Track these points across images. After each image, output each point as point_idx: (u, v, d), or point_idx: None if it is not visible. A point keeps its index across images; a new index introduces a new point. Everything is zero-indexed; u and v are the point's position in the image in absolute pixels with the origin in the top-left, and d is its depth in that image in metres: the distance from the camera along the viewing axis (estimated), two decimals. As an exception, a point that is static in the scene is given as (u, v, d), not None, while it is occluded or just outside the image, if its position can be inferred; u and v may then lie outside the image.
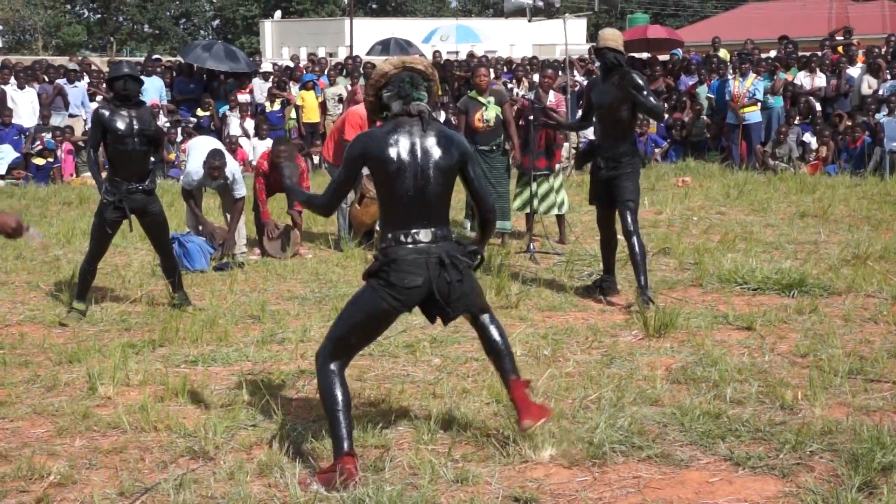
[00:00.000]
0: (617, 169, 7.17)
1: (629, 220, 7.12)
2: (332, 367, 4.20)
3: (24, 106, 15.91)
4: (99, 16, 67.12)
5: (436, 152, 4.20)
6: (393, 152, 4.16)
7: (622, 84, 7.07)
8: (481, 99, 9.42)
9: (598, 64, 7.58)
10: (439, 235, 4.20)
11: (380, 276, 4.16)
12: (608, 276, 7.50)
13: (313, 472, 4.15)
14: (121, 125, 6.88)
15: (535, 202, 9.44)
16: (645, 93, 7.05)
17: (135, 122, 6.91)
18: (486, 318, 4.42)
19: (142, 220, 7.15)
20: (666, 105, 17.46)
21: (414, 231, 4.16)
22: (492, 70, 17.72)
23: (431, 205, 4.20)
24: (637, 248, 7.08)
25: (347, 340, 4.24)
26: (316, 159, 15.88)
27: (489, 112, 9.34)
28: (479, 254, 4.38)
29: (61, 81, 16.57)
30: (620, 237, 7.33)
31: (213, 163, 8.79)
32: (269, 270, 8.59)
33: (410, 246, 4.14)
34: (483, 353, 5.80)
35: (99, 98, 16.53)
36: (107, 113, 6.92)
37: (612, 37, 7.21)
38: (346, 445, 4.04)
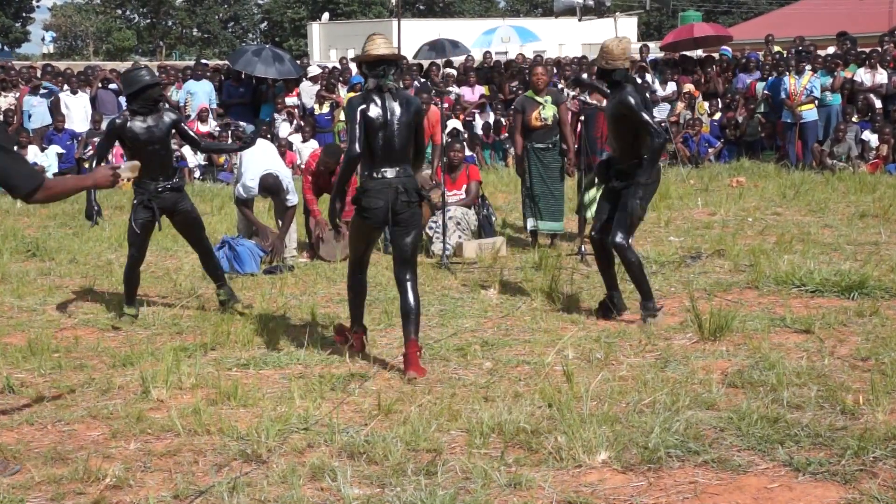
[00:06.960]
0: (627, 183, 6.77)
1: (619, 232, 6.66)
2: (353, 275, 5.98)
3: (77, 111, 16.15)
4: (148, 20, 68.09)
5: (400, 111, 5.65)
6: (372, 111, 5.60)
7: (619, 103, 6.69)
8: (538, 98, 9.36)
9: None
10: (401, 173, 5.65)
11: (359, 204, 5.68)
12: (615, 293, 6.96)
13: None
14: (141, 134, 6.89)
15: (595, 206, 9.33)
16: (643, 114, 6.57)
17: (154, 130, 6.92)
18: (409, 283, 5.68)
19: (173, 219, 7.17)
20: (720, 104, 17.27)
21: (383, 170, 5.63)
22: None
23: (397, 150, 5.64)
24: (629, 262, 6.68)
25: (355, 254, 5.97)
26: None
27: (546, 111, 9.29)
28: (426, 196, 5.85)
29: (114, 86, 16.77)
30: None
31: (269, 181, 8.87)
32: (318, 274, 8.62)
33: (379, 179, 5.62)
34: (534, 356, 5.82)
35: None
36: (125, 123, 6.91)
37: (609, 51, 6.71)
38: (356, 325, 6.04)
